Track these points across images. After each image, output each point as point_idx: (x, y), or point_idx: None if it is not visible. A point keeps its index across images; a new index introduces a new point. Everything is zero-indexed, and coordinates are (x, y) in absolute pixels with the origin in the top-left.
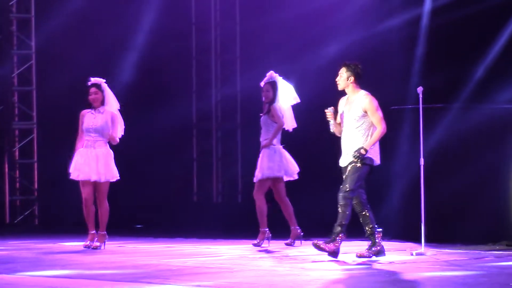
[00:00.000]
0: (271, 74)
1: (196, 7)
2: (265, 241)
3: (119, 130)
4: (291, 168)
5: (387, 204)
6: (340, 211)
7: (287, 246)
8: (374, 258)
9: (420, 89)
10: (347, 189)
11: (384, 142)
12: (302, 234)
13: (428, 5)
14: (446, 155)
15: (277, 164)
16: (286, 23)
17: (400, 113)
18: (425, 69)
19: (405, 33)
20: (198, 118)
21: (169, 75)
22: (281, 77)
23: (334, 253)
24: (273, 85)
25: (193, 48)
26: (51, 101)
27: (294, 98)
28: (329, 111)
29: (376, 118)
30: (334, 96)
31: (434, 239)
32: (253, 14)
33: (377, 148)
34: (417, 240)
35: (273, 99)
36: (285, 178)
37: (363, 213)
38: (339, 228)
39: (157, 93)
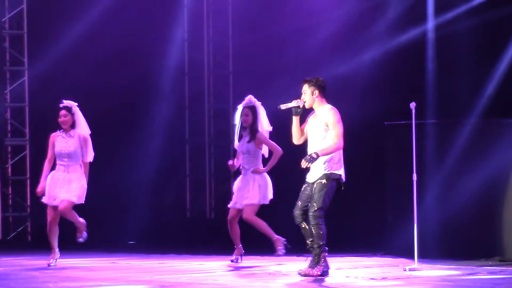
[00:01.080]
0: (250, 98)
1: (188, 23)
2: (280, 249)
3: (90, 154)
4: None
5: (380, 220)
6: (314, 232)
7: (232, 263)
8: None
9: (413, 105)
10: (315, 208)
11: (381, 157)
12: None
13: (431, 20)
14: (440, 170)
15: (269, 190)
16: (279, 39)
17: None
18: (436, 83)
19: (411, 48)
20: (191, 134)
21: (161, 90)
22: (260, 102)
23: (324, 273)
24: (252, 109)
25: (185, 64)
26: (44, 117)
27: (268, 125)
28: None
29: (335, 132)
30: None
31: (427, 255)
32: (245, 29)
33: (342, 164)
34: (410, 256)
35: (253, 124)
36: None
37: (303, 225)
38: (318, 250)
39: (149, 109)
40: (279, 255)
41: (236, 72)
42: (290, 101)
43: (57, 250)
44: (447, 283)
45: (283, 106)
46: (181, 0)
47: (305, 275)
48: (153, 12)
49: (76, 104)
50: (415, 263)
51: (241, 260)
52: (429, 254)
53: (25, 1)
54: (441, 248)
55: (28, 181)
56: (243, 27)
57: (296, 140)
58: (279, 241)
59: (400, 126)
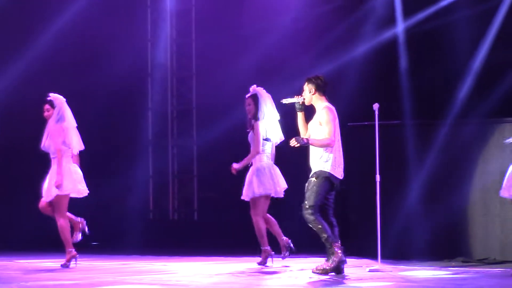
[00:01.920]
0: (253, 87)
1: (152, 24)
2: (269, 259)
3: (76, 142)
4: (281, 186)
5: (343, 220)
6: (314, 228)
7: (259, 266)
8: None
9: (376, 106)
10: (307, 207)
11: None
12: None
13: (401, 23)
14: (402, 170)
15: (268, 181)
16: (242, 40)
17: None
18: (409, 84)
19: (383, 48)
20: (154, 135)
21: (124, 91)
22: (265, 90)
23: (341, 263)
24: (254, 98)
25: (148, 65)
26: (5, 117)
27: (276, 113)
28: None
29: (326, 130)
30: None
31: (390, 256)
32: (209, 31)
33: (338, 163)
34: (373, 256)
35: (255, 113)
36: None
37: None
38: (327, 243)
39: (113, 110)
40: (260, 263)
41: (199, 73)
42: (288, 97)
43: (74, 233)
44: (410, 284)
45: (285, 101)
46: (145, 1)
47: (317, 270)
48: (116, 13)
49: (61, 96)
50: (378, 264)
51: (272, 262)
52: (392, 255)
53: None
54: (404, 249)
55: None
56: (206, 29)
57: (303, 135)
58: (266, 253)
59: (364, 127)
